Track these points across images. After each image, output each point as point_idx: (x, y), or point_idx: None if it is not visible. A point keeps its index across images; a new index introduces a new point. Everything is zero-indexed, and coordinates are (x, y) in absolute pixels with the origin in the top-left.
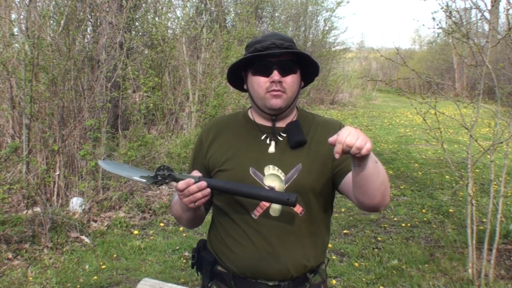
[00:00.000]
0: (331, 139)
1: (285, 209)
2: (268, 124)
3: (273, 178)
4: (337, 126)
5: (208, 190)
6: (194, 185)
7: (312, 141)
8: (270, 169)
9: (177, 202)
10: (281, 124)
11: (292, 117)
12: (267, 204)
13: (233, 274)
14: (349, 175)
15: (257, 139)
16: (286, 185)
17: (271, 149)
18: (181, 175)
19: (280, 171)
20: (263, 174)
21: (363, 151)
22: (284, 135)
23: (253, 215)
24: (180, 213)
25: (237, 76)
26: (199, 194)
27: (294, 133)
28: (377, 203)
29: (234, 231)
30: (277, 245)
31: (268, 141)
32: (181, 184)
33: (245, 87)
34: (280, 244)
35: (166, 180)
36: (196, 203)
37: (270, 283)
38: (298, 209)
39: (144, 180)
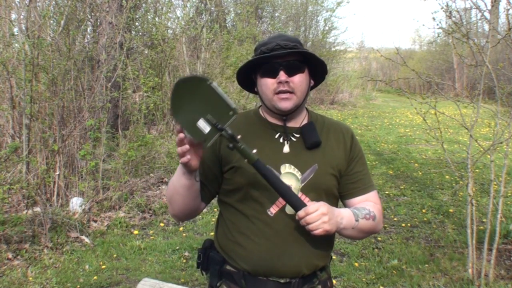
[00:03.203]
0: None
1: None
2: (280, 123)
3: (289, 176)
4: (348, 133)
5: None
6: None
7: (327, 143)
8: (286, 168)
9: (176, 174)
10: (293, 124)
11: (303, 117)
12: (283, 202)
13: (244, 273)
14: (355, 199)
15: (271, 137)
16: (302, 184)
17: (286, 149)
18: (244, 146)
19: (296, 170)
20: (280, 173)
21: (313, 233)
22: (298, 135)
23: (269, 212)
24: (175, 185)
25: (249, 78)
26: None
27: (310, 135)
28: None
29: (247, 228)
30: (291, 242)
31: (281, 140)
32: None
33: (255, 89)
34: (294, 242)
35: (227, 138)
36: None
37: (282, 281)
38: None
39: (207, 128)
